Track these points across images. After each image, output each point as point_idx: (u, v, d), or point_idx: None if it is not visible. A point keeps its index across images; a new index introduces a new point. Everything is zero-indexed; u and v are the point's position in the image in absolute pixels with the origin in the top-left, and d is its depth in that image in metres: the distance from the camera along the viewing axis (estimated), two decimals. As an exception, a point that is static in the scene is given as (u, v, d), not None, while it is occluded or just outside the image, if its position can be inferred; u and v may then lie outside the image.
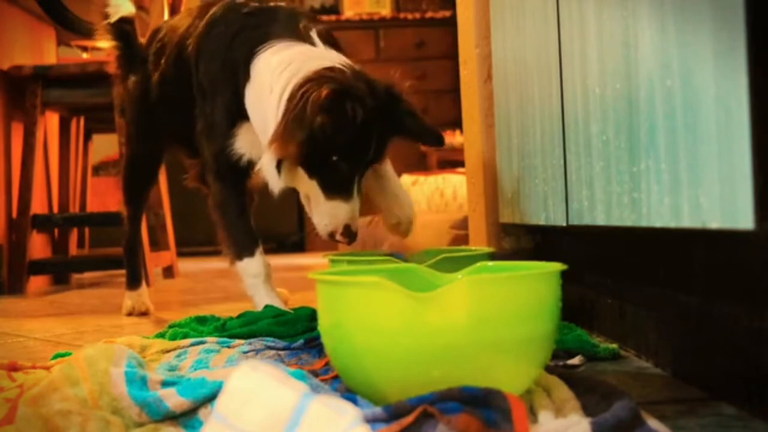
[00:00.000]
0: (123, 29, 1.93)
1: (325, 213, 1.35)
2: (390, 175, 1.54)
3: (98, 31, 1.96)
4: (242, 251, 1.56)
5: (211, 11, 1.62)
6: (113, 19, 1.90)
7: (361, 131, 1.30)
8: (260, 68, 1.43)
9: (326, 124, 1.26)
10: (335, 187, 1.34)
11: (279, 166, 1.35)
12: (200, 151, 1.63)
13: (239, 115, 1.51)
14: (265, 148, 1.35)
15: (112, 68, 1.99)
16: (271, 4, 1.58)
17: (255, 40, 1.47)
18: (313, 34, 1.48)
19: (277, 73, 1.36)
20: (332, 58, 1.39)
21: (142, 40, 1.97)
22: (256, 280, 1.55)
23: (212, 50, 1.56)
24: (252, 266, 1.55)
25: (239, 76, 1.48)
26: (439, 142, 1.42)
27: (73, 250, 3.29)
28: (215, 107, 1.55)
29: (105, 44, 1.99)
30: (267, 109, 1.38)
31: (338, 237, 1.35)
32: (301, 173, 1.36)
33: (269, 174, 1.37)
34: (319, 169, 1.34)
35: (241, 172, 1.56)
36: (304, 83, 1.30)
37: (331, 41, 1.52)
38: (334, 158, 1.31)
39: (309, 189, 1.37)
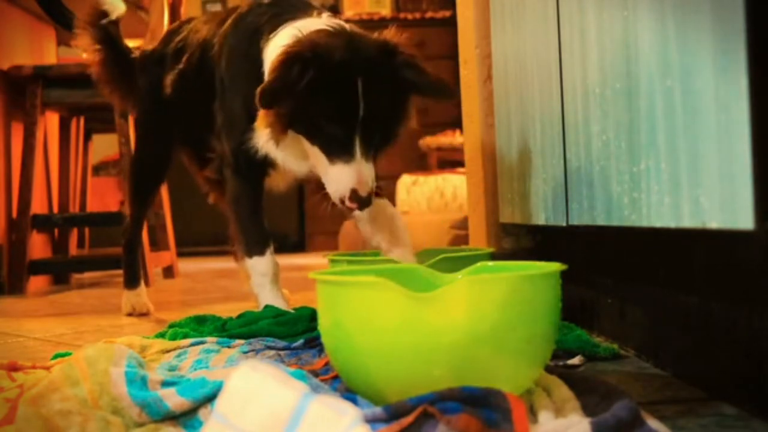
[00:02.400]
0: (108, 30, 1.91)
1: (332, 180, 1.30)
2: (391, 213, 1.51)
3: (80, 33, 1.91)
4: (252, 249, 1.55)
5: (238, 10, 1.62)
6: (112, 17, 1.89)
7: (344, 83, 1.24)
8: (271, 52, 1.39)
9: (275, 84, 1.24)
10: (336, 151, 1.28)
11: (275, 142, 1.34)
12: (220, 146, 1.61)
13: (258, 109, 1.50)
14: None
15: (94, 71, 1.94)
16: None
17: (273, 27, 1.46)
18: (324, 14, 1.45)
19: (276, 52, 1.32)
20: (326, 24, 1.35)
21: (142, 41, 1.96)
22: (264, 279, 1.54)
23: (235, 44, 1.55)
24: (261, 265, 1.54)
25: (259, 67, 1.46)
26: (447, 94, 1.35)
27: (73, 250, 3.28)
28: (234, 102, 1.53)
29: (85, 46, 1.92)
30: None
31: (347, 203, 1.28)
32: (305, 145, 1.34)
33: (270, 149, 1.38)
34: (314, 135, 1.30)
35: (258, 168, 1.55)
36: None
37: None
38: (323, 121, 1.27)
39: (315, 159, 1.34)
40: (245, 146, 1.50)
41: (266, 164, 1.54)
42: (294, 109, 1.28)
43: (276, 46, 1.36)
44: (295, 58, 1.24)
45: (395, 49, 1.30)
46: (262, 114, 1.31)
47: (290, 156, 1.41)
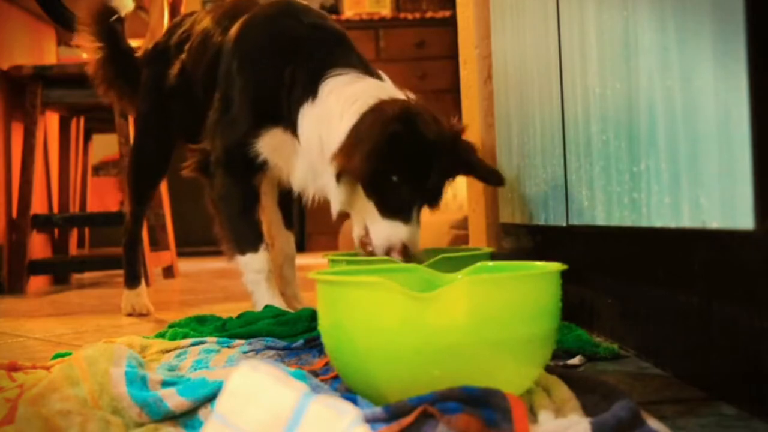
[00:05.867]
0: (112, 28, 1.90)
1: (382, 231, 1.35)
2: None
3: (83, 30, 1.90)
4: (245, 246, 1.54)
5: (261, 6, 1.60)
6: (121, 14, 1.89)
7: (422, 157, 1.31)
8: (331, 93, 1.41)
9: (398, 134, 1.26)
10: (392, 208, 1.34)
11: (338, 182, 1.35)
12: (209, 139, 1.58)
13: (271, 120, 1.49)
14: (327, 164, 1.35)
15: (91, 69, 1.93)
16: (328, 22, 1.56)
17: (323, 60, 1.46)
18: (382, 73, 1.50)
19: (349, 103, 1.36)
20: (403, 94, 1.41)
21: (142, 41, 1.95)
22: (259, 277, 1.54)
23: (262, 47, 1.53)
24: (255, 262, 1.54)
25: (296, 89, 1.46)
26: (501, 182, 1.45)
27: (73, 250, 3.29)
28: (244, 102, 1.51)
29: (88, 44, 1.91)
30: (332, 133, 1.37)
31: (394, 255, 1.34)
32: (358, 193, 1.36)
33: (330, 191, 1.36)
34: (377, 188, 1.33)
35: (253, 169, 1.54)
36: (375, 107, 1.32)
37: None
38: (394, 178, 1.31)
39: (364, 209, 1.36)
40: (245, 147, 1.50)
41: (260, 167, 1.54)
42: (376, 167, 1.30)
43: (346, 97, 1.38)
44: (392, 130, 1.27)
45: (461, 134, 1.37)
46: (343, 155, 1.31)
47: (345, 202, 1.40)
